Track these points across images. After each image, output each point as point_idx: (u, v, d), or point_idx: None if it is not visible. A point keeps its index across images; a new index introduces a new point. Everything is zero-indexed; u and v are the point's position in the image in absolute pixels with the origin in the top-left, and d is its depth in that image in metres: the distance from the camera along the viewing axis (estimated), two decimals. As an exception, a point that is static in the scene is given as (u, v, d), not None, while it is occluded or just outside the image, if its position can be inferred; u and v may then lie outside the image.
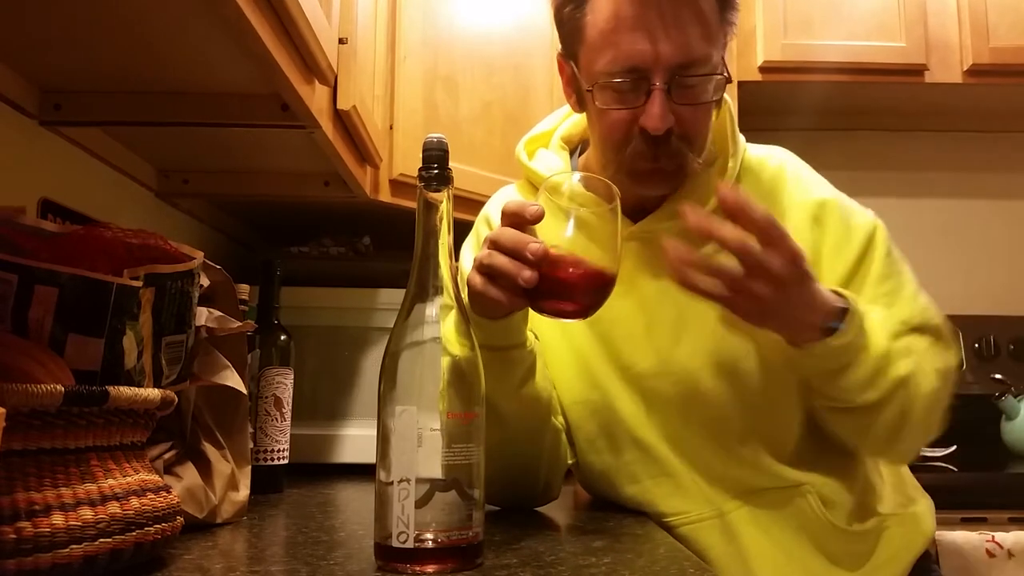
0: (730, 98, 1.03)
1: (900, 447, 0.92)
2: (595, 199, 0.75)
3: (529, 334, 0.85)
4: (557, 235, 0.73)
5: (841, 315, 0.80)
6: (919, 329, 0.92)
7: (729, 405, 0.93)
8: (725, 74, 0.89)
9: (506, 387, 0.84)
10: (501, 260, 0.72)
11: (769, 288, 0.76)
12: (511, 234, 0.72)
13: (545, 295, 0.73)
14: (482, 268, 0.74)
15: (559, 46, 0.97)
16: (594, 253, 0.73)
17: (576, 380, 0.97)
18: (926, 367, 0.88)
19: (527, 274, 0.70)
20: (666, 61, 0.85)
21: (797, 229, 0.95)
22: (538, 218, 0.71)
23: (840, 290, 0.84)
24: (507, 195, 1.07)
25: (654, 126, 0.86)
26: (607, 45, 0.87)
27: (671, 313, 0.94)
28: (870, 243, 0.95)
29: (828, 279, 0.93)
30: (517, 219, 0.72)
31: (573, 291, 0.73)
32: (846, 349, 0.81)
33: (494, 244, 0.73)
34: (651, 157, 0.89)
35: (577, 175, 0.77)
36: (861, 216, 0.97)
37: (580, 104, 0.97)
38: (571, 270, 0.72)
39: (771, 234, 0.75)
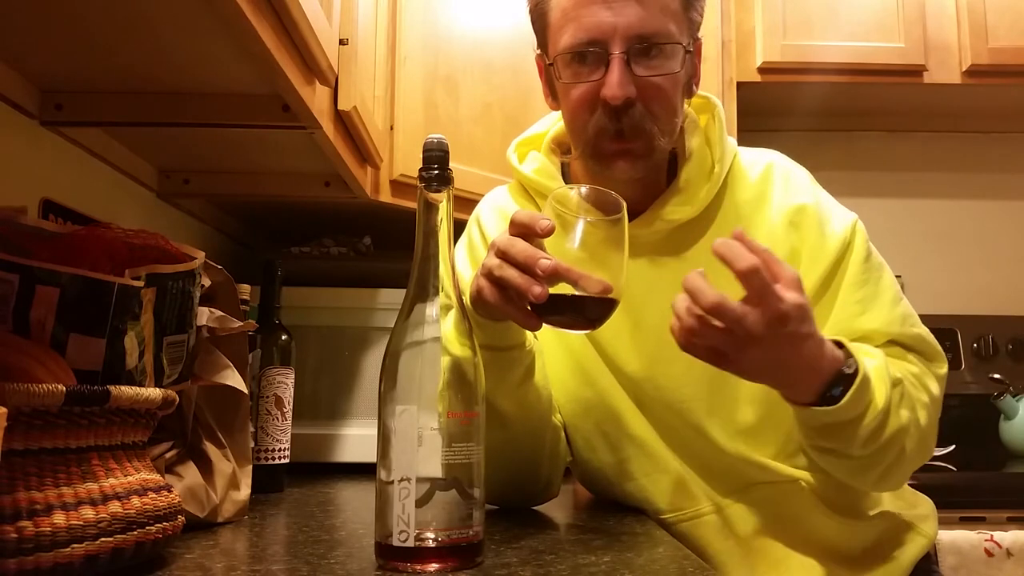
0: (720, 103, 1.04)
1: (892, 482, 0.92)
2: (601, 210, 0.75)
3: (528, 334, 0.85)
4: (563, 246, 0.72)
5: (843, 379, 0.78)
6: (899, 343, 0.92)
7: (719, 407, 0.93)
8: (689, 48, 0.90)
9: (506, 387, 0.84)
10: (511, 273, 0.71)
11: (743, 349, 0.73)
12: (522, 247, 0.71)
13: (554, 309, 0.73)
14: (491, 277, 0.73)
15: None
16: (601, 265, 0.73)
17: (570, 378, 0.97)
18: (917, 404, 0.87)
19: (537, 290, 0.70)
20: (625, 30, 0.86)
21: (776, 233, 0.95)
22: (549, 233, 0.71)
23: (847, 345, 0.81)
24: (498, 197, 1.07)
25: (612, 94, 0.86)
26: (568, 21, 0.89)
27: (656, 317, 0.93)
28: (846, 249, 0.94)
29: (804, 285, 0.93)
30: (526, 231, 0.72)
31: (582, 306, 0.73)
32: (845, 416, 0.79)
33: (504, 255, 0.72)
34: (614, 133, 0.89)
35: (584, 187, 0.77)
36: (840, 221, 0.96)
37: (555, 97, 0.98)
38: (580, 285, 0.72)
39: (756, 289, 0.71)
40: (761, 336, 0.72)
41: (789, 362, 0.76)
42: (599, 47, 0.87)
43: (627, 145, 0.90)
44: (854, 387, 0.77)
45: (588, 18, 0.87)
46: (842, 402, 0.77)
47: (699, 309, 0.72)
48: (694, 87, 0.97)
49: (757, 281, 0.71)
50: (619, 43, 0.86)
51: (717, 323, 0.72)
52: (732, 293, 0.72)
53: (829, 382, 0.78)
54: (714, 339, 0.74)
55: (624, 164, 0.91)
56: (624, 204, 0.75)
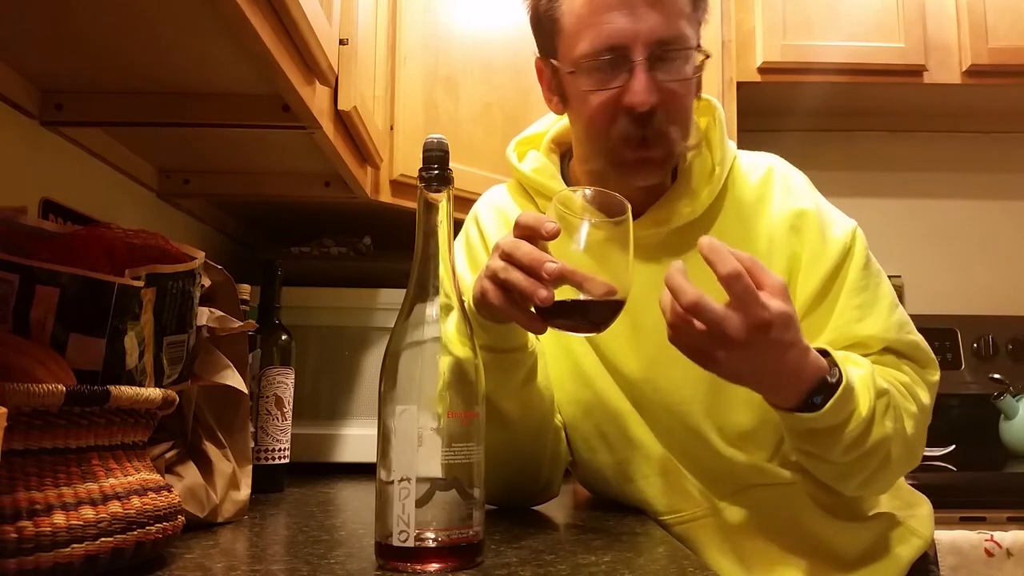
0: (721, 105, 1.03)
1: (875, 487, 0.92)
2: (606, 212, 0.74)
3: (530, 335, 0.85)
4: (568, 248, 0.72)
5: (826, 388, 0.78)
6: (895, 350, 0.92)
7: (716, 409, 0.93)
8: (704, 51, 0.90)
9: (509, 388, 0.84)
10: (516, 276, 0.71)
11: (723, 351, 0.73)
12: (527, 250, 0.71)
13: (559, 312, 0.72)
14: (496, 280, 0.73)
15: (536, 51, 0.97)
16: (606, 268, 0.73)
17: (569, 379, 0.97)
18: (904, 413, 0.87)
19: (543, 294, 0.69)
20: (646, 36, 0.86)
21: (777, 236, 0.95)
22: (554, 236, 0.71)
23: (832, 354, 0.81)
24: (497, 196, 1.07)
25: (640, 101, 0.85)
26: (585, 27, 0.88)
27: (655, 319, 0.93)
28: (846, 255, 0.94)
29: (804, 289, 0.93)
30: (531, 233, 0.72)
31: (587, 309, 0.73)
32: (826, 423, 0.79)
33: (508, 257, 0.72)
34: (637, 141, 0.88)
35: (589, 189, 0.77)
36: (839, 227, 0.96)
37: (563, 103, 0.97)
38: (584, 287, 0.72)
39: (738, 294, 0.71)
40: (743, 341, 0.72)
41: (772, 368, 0.77)
42: (620, 53, 0.87)
43: (648, 153, 0.89)
44: (836, 396, 0.78)
45: (608, 24, 0.86)
46: (823, 410, 0.78)
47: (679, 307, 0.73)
48: (700, 89, 0.97)
49: (739, 286, 0.71)
50: (641, 49, 0.86)
51: (697, 323, 0.72)
52: (717, 292, 0.72)
53: (812, 389, 0.78)
54: (695, 338, 0.74)
55: (645, 172, 0.91)
56: (629, 206, 0.74)
